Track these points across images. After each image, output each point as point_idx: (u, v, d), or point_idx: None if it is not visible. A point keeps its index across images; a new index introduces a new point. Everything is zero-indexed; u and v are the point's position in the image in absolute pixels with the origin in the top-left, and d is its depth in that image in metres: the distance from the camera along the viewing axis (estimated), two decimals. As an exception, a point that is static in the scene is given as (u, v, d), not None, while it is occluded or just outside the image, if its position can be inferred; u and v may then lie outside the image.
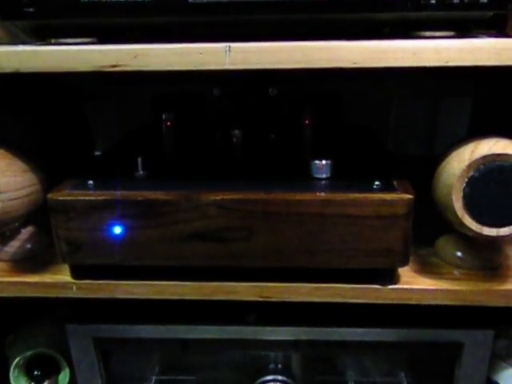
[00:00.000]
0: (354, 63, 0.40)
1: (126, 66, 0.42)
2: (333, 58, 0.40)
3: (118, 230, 0.47)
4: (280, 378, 0.58)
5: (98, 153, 0.81)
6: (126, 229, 0.47)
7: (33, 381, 0.63)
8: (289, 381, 0.58)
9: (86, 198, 0.46)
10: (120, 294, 0.51)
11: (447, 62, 0.40)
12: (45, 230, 0.58)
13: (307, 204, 0.45)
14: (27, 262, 0.55)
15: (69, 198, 0.46)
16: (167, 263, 0.48)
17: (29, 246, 0.56)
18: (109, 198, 0.46)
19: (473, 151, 0.43)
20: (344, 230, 0.46)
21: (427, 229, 0.55)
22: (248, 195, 0.46)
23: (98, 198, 0.46)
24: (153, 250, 0.48)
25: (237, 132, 0.57)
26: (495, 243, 0.53)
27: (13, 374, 0.62)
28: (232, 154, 0.58)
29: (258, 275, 0.49)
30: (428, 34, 0.45)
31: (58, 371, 0.63)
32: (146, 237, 0.47)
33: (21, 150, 0.51)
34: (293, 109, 0.62)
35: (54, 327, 0.65)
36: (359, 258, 0.47)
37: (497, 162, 0.42)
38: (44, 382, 0.62)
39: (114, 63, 0.42)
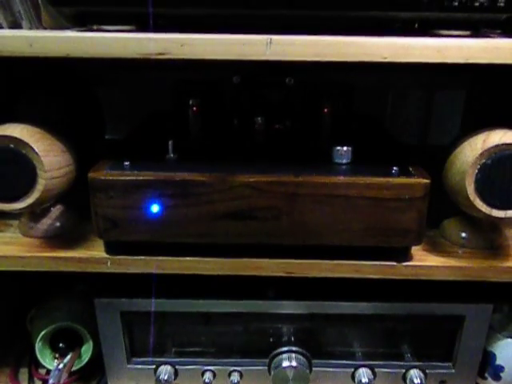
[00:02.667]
0: (384, 58, 0.44)
1: (172, 54, 0.45)
2: (365, 52, 0.44)
3: (155, 208, 0.50)
4: (294, 348, 0.62)
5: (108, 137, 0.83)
6: (163, 207, 0.50)
7: (57, 353, 0.65)
8: (303, 351, 0.62)
9: (127, 177, 0.49)
10: (153, 269, 0.54)
11: (467, 60, 0.44)
12: (72, 209, 0.61)
13: (333, 186, 0.49)
14: (59, 239, 0.57)
15: (110, 178, 0.49)
16: (200, 240, 0.52)
17: (58, 224, 0.59)
18: (148, 178, 0.49)
19: (485, 141, 0.48)
20: (366, 210, 0.50)
21: (432, 212, 0.60)
22: (279, 178, 0.49)
23: (139, 178, 0.49)
24: (187, 227, 0.51)
25: (258, 119, 0.61)
26: (496, 225, 0.58)
27: (38, 346, 0.64)
28: (253, 140, 0.61)
29: (283, 252, 0.53)
30: (445, 32, 0.49)
31: (80, 344, 0.66)
32: (181, 215, 0.50)
33: (57, 131, 0.53)
34: (309, 98, 0.66)
35: (75, 302, 0.68)
36: (379, 237, 0.51)
37: (507, 151, 0.47)
38: (68, 354, 0.65)
39: (161, 51, 0.45)
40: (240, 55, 0.45)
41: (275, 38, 0.44)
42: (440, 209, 0.57)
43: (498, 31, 0.56)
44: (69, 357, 0.65)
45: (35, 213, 0.58)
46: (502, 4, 0.45)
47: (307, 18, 0.48)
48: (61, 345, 0.65)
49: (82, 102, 0.74)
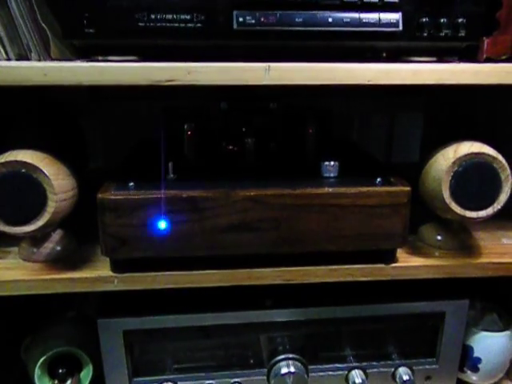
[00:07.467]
0: (369, 80, 0.51)
1: (179, 80, 0.49)
2: (352, 76, 0.50)
3: (162, 224, 0.53)
4: (291, 356, 0.66)
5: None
6: (170, 224, 0.53)
7: (56, 379, 0.65)
8: (299, 358, 0.66)
9: (136, 196, 0.52)
10: (159, 285, 0.56)
11: (438, 81, 0.51)
12: (71, 233, 0.62)
13: (327, 197, 0.54)
14: (62, 262, 0.58)
15: (119, 197, 0.52)
16: (205, 253, 0.55)
17: (59, 247, 0.60)
18: (156, 196, 0.52)
19: (455, 151, 0.55)
20: (356, 217, 0.55)
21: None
22: (278, 191, 0.54)
23: (147, 196, 0.52)
24: (193, 242, 0.54)
25: (248, 140, 0.65)
26: (466, 228, 0.65)
27: (36, 374, 0.64)
28: (245, 160, 0.65)
29: (282, 261, 0.57)
30: (415, 58, 0.56)
31: (79, 369, 0.66)
32: (187, 230, 0.54)
33: (60, 157, 0.55)
34: (293, 121, 0.72)
35: (70, 327, 0.69)
36: (368, 241, 0.56)
37: (475, 159, 0.54)
38: (67, 379, 0.65)
39: (169, 78, 0.49)
40: (241, 81, 0.49)
41: (273, 65, 0.49)
42: (413, 217, 0.64)
43: (456, 57, 0.64)
44: (69, 382, 0.65)
45: (36, 238, 0.59)
46: (462, 34, 0.52)
47: (301, 46, 0.53)
48: (60, 370, 0.65)
49: (69, 132, 0.76)
